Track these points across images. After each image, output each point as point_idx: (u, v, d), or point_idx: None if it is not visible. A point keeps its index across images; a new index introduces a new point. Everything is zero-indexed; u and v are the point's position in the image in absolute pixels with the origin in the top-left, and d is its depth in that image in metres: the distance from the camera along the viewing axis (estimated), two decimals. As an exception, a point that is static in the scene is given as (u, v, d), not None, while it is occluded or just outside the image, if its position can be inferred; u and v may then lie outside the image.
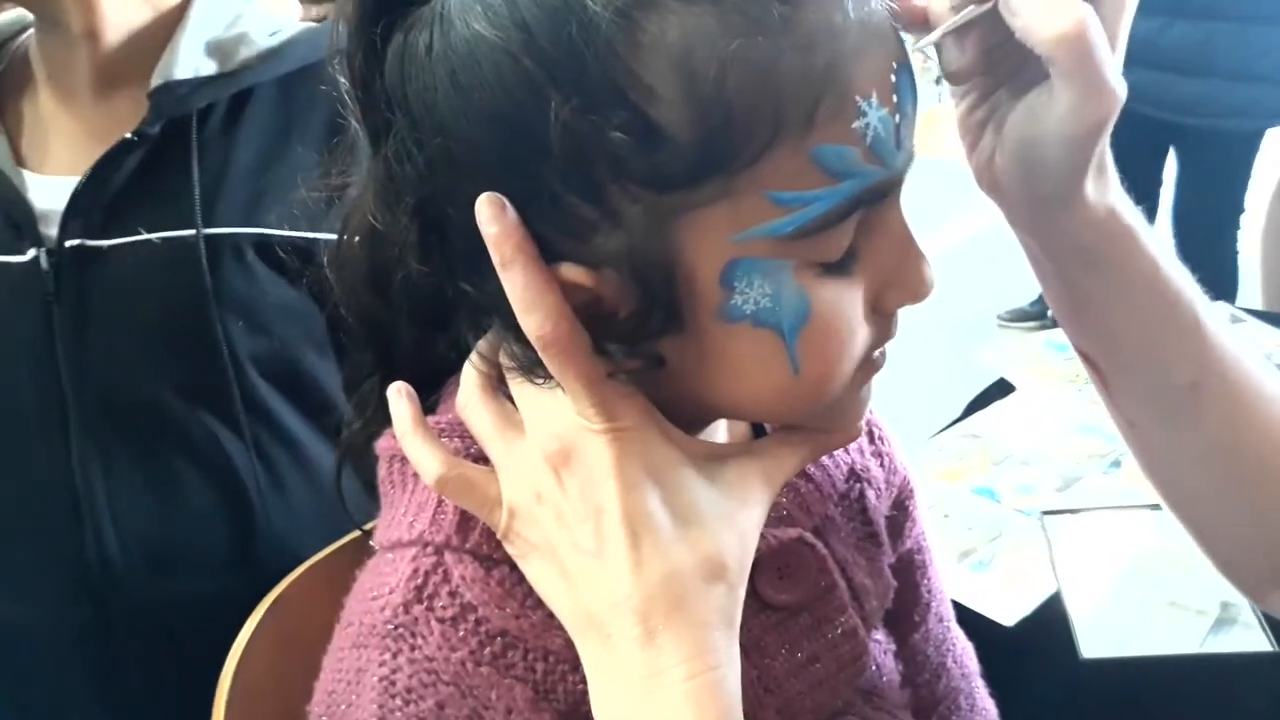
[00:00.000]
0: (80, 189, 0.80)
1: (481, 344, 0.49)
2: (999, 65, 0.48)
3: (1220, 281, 2.47)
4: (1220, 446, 0.55)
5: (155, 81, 0.82)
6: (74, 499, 0.82)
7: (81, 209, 0.81)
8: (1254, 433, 0.54)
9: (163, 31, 0.84)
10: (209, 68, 0.84)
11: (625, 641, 0.43)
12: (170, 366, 0.84)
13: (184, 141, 0.83)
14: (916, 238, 0.46)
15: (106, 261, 0.81)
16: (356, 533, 0.60)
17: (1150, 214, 2.48)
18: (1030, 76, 0.47)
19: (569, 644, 0.46)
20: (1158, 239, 0.52)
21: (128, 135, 0.81)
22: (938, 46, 0.47)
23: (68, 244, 0.80)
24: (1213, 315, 0.53)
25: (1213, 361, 0.53)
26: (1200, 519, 0.60)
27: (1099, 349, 0.55)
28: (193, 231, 0.81)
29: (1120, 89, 0.44)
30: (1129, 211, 0.50)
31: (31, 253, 0.79)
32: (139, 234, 0.81)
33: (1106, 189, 0.49)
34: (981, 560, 1.09)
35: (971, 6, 0.44)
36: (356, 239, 0.48)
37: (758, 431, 0.57)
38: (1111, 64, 0.44)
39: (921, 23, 0.46)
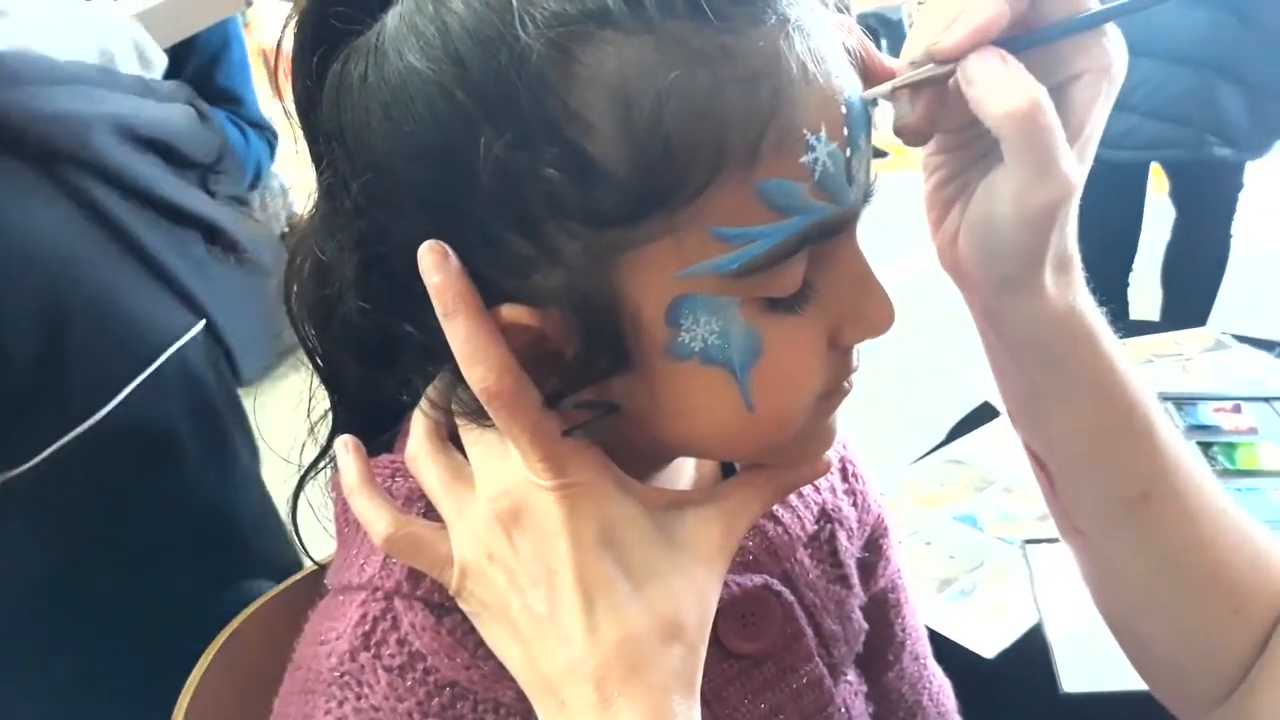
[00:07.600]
0: None
1: (431, 389, 0.48)
2: (972, 143, 0.47)
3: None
4: (1169, 561, 0.53)
5: None
6: None
7: None
8: (1202, 549, 0.53)
9: None
10: None
11: (581, 708, 0.41)
12: None
13: None
14: (875, 268, 0.44)
15: None
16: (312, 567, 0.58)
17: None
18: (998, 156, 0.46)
19: (521, 696, 0.44)
20: (1119, 345, 0.51)
21: None
22: (892, 100, 0.46)
23: None
24: (1167, 424, 0.52)
25: (1165, 472, 0.52)
26: (1141, 638, 0.58)
27: (1049, 450, 0.53)
28: None
29: (1074, 176, 0.43)
30: (1092, 314, 0.50)
31: None
32: None
33: (1070, 287, 0.48)
34: (962, 590, 1.08)
35: (930, 65, 0.43)
36: (305, 270, 0.47)
37: (727, 468, 0.56)
38: (1065, 149, 0.42)
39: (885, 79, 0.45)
